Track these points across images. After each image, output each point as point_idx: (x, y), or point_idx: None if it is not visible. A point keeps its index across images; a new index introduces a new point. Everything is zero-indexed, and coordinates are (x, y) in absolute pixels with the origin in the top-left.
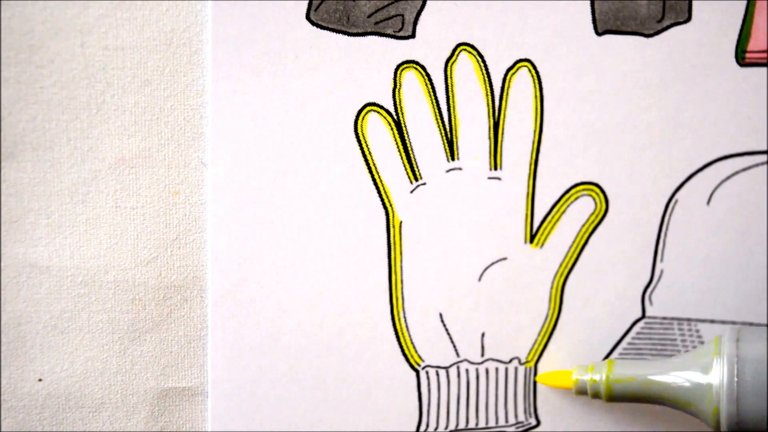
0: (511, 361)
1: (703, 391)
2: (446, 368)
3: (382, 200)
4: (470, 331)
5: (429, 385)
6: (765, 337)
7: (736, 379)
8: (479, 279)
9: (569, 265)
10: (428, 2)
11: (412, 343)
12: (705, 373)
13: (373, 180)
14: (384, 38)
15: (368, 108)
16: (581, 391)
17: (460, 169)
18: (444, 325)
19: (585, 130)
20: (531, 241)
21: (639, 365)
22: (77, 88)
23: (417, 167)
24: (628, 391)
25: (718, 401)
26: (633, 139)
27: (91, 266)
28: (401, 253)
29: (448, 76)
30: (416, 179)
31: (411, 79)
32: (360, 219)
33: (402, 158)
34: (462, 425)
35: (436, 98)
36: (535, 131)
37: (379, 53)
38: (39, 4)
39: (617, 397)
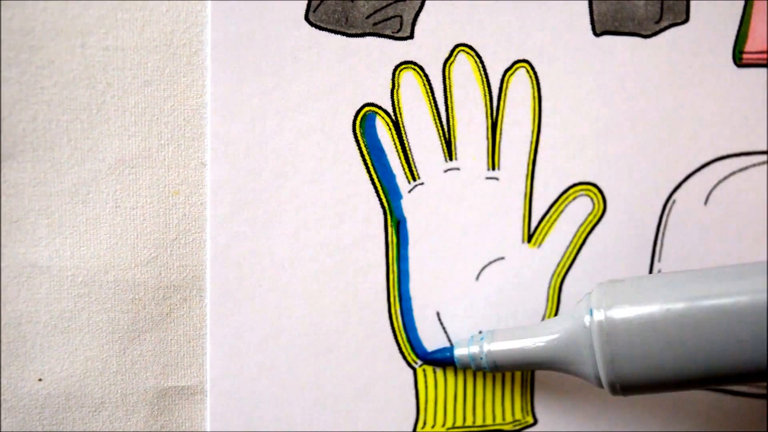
0: None
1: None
2: (443, 366)
3: (380, 200)
4: (467, 329)
5: (426, 383)
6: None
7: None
8: (477, 278)
9: (567, 265)
10: (426, 3)
11: (409, 341)
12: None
13: (371, 180)
14: (382, 39)
15: (367, 108)
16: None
17: (458, 169)
18: (441, 324)
19: (583, 131)
20: (529, 241)
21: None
22: (77, 89)
23: (415, 167)
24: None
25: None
26: (631, 140)
27: (91, 266)
28: (399, 253)
29: (446, 77)
30: (414, 179)
31: (409, 79)
32: (358, 218)
33: (400, 158)
34: (459, 423)
35: (434, 99)
36: (533, 131)
37: (377, 54)
38: (39, 4)
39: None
